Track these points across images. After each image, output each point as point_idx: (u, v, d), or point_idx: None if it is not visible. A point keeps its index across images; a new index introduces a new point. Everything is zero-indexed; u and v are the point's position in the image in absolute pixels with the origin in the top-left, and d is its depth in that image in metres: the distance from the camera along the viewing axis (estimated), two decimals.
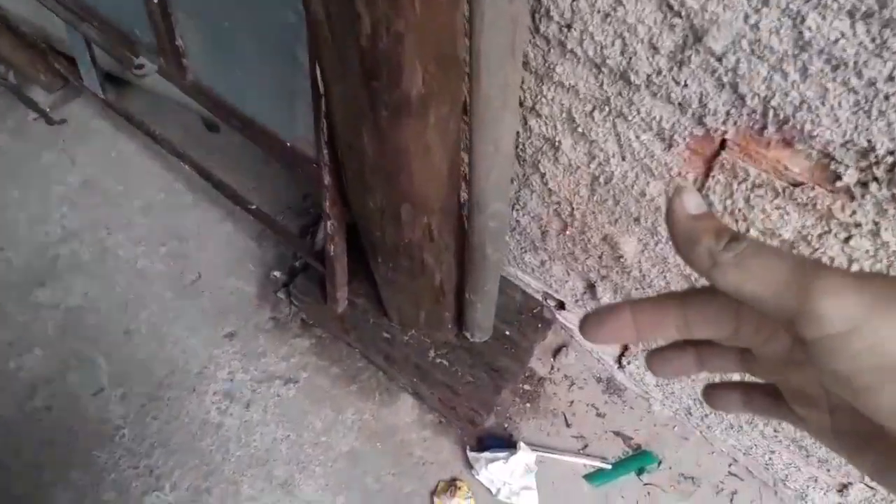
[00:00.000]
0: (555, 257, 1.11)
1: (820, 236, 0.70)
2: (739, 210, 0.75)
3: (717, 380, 0.33)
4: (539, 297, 1.29)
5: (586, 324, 0.29)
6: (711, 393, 0.32)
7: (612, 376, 1.31)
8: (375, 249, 0.96)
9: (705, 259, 0.24)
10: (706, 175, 0.75)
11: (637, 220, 0.89)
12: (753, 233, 0.76)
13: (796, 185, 0.68)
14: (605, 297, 1.10)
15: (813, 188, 0.66)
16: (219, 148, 1.50)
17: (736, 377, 0.33)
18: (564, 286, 1.18)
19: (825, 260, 0.72)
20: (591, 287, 1.12)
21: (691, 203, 0.25)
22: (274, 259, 1.40)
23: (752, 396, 0.30)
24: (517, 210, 1.07)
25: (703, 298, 0.27)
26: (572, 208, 0.96)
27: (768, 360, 0.27)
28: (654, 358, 0.31)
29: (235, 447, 1.23)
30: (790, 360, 0.26)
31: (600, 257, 1.01)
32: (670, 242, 0.29)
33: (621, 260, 0.97)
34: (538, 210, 1.03)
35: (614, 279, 1.03)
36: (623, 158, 0.81)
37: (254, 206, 1.22)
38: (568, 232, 1.02)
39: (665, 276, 0.93)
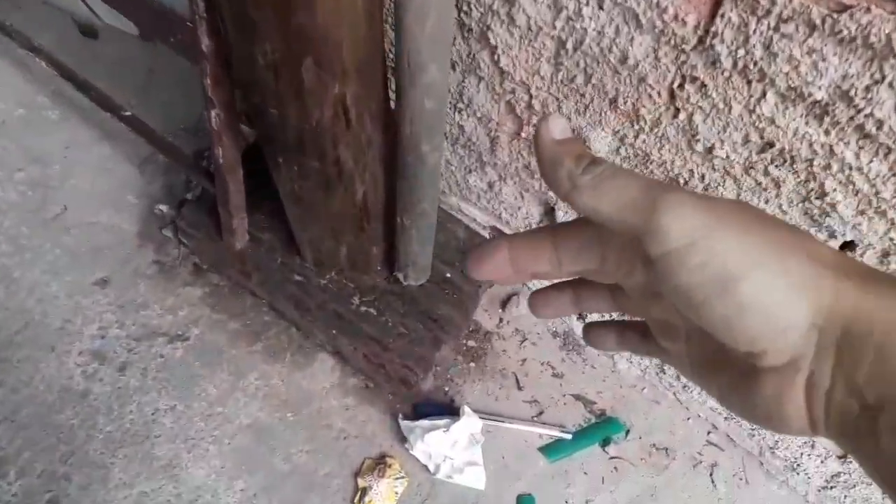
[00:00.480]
0: (506, 175, 0.92)
1: (868, 89, 0.53)
2: (755, 63, 0.57)
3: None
4: (486, 233, 1.10)
5: (469, 261, 0.29)
6: (589, 332, 0.33)
7: (571, 329, 1.13)
8: (274, 145, 0.75)
9: (565, 182, 0.25)
10: (711, 16, 0.57)
11: (614, 101, 0.70)
12: (772, 98, 0.59)
13: (842, 10, 0.50)
14: None
15: (868, 9, 0.49)
16: (97, 57, 1.25)
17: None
18: (517, 214, 0.98)
19: (871, 123, 0.55)
20: (550, 212, 0.93)
21: (557, 128, 0.26)
22: (160, 190, 1.17)
23: (625, 334, 0.32)
24: (460, 111, 0.87)
25: (571, 230, 0.28)
26: (530, 97, 0.77)
27: (634, 293, 0.28)
28: (534, 299, 0.32)
29: (105, 421, 0.99)
30: (651, 291, 0.27)
31: None
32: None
33: None
34: (487, 107, 0.84)
35: None
36: (600, 5, 0.62)
37: (128, 113, 0.98)
38: (524, 133, 0.83)
39: None
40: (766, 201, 0.67)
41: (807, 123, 0.59)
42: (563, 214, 0.90)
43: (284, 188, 0.83)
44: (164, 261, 1.11)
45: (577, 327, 1.12)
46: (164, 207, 1.14)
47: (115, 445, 0.98)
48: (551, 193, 0.89)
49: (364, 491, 0.96)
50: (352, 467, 1.00)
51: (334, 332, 0.99)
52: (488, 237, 1.09)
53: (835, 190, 0.61)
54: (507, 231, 1.06)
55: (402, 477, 0.98)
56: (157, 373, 1.03)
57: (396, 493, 0.97)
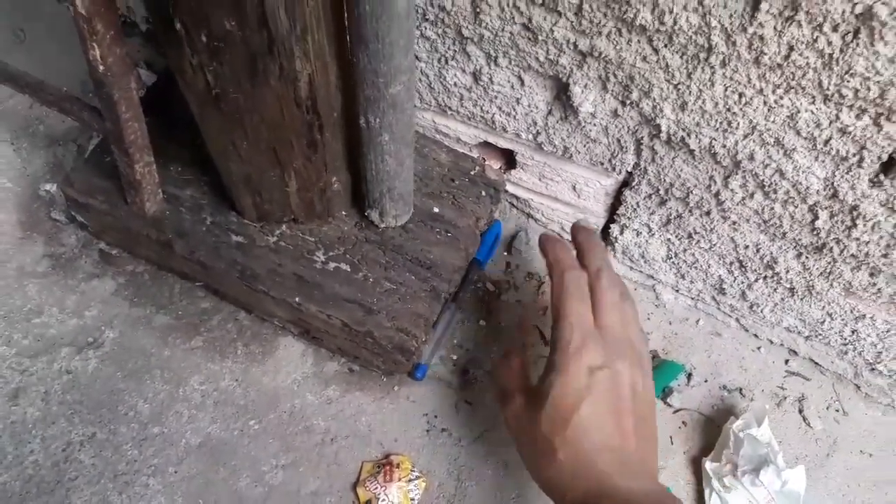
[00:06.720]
0: (498, 50, 0.70)
1: None
2: None
3: None
4: (475, 153, 0.87)
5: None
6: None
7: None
8: (166, 1, 0.51)
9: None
10: None
11: None
12: None
13: None
14: (588, 101, 0.69)
15: None
16: None
17: None
18: (516, 111, 0.77)
19: None
20: (561, 93, 0.71)
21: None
22: (44, 167, 0.91)
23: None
24: None
25: None
26: None
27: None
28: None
29: None
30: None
31: (579, 8, 0.60)
32: None
33: None
34: None
35: (604, 51, 0.63)
36: None
37: None
38: None
39: (700, 0, 0.54)
40: None
41: None
42: (581, 90, 0.69)
43: (195, 88, 0.59)
44: (58, 253, 0.85)
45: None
46: (50, 187, 0.88)
47: (15, 501, 0.71)
48: (563, 63, 0.67)
49: (369, 503, 0.71)
50: (347, 478, 0.76)
51: (297, 301, 0.75)
52: (476, 157, 0.86)
53: None
54: (502, 144, 0.84)
55: (418, 477, 0.74)
56: (63, 395, 0.77)
57: (413, 498, 0.73)
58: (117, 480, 0.73)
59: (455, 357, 0.83)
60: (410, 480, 0.74)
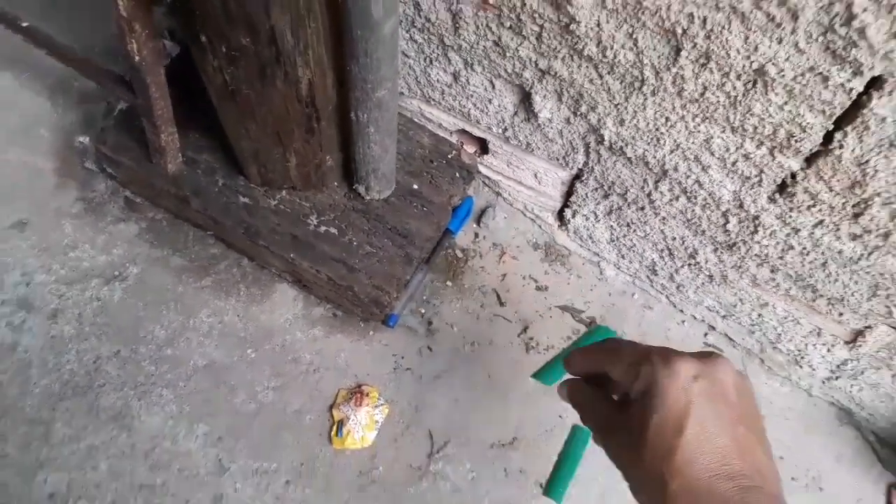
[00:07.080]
0: (473, 59, 0.81)
1: None
2: None
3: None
4: (454, 139, 1.00)
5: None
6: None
7: (553, 239, 1.05)
8: (195, 18, 0.63)
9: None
10: None
11: None
12: None
13: None
14: (546, 109, 0.81)
15: None
16: None
17: None
18: (488, 109, 0.89)
19: None
20: (525, 99, 0.83)
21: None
22: (78, 121, 1.03)
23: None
24: None
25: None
26: None
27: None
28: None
29: (39, 374, 0.88)
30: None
31: (539, 35, 0.72)
32: None
33: (571, 28, 0.68)
34: None
35: (559, 71, 0.75)
36: None
37: (25, 24, 0.84)
38: (492, 0, 0.72)
39: (635, 42, 0.66)
40: (780, 40, 0.58)
41: None
42: (541, 99, 0.81)
43: (214, 83, 0.71)
44: (90, 197, 0.99)
45: (561, 236, 1.04)
46: (84, 139, 1.01)
47: (55, 399, 0.87)
48: (526, 76, 0.79)
49: (341, 423, 0.87)
50: (325, 401, 0.91)
51: (292, 256, 0.89)
52: (454, 143, 0.99)
53: (865, 10, 0.52)
54: (477, 133, 0.96)
55: (382, 405, 0.90)
56: (94, 318, 0.92)
57: (377, 421, 0.89)
58: (137, 389, 0.89)
59: (423, 311, 0.98)
60: (377, 407, 0.89)
